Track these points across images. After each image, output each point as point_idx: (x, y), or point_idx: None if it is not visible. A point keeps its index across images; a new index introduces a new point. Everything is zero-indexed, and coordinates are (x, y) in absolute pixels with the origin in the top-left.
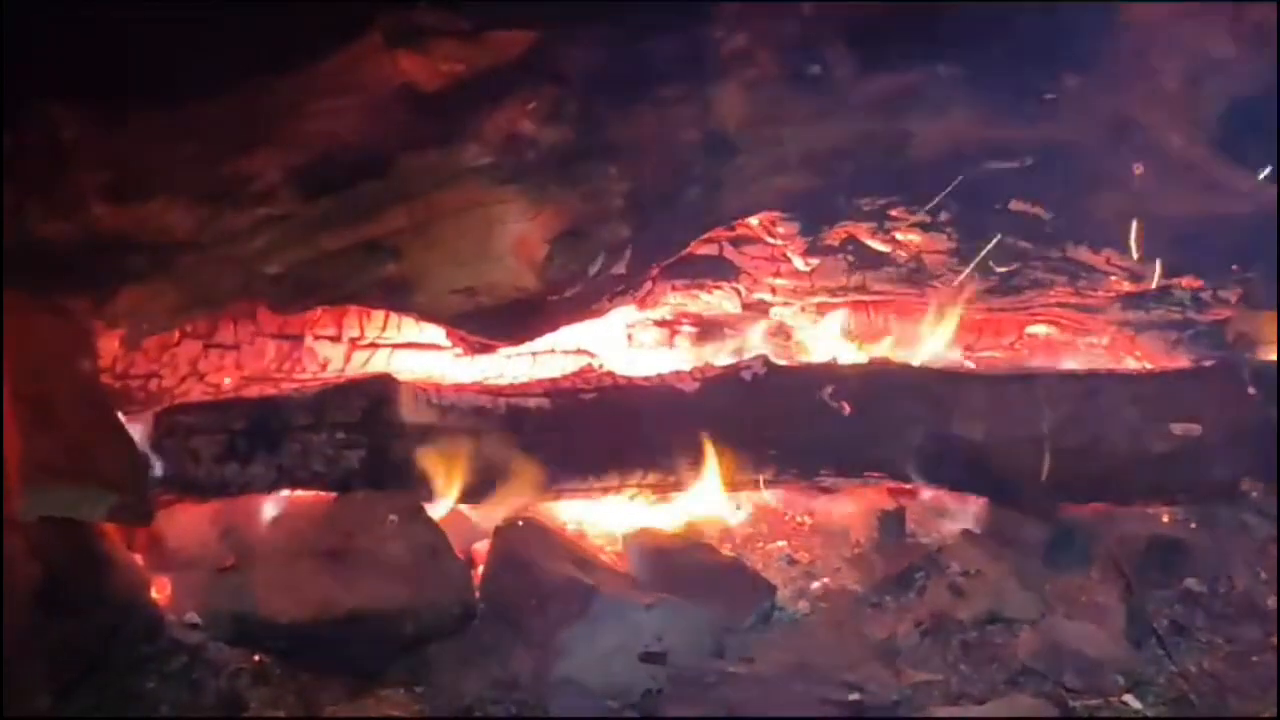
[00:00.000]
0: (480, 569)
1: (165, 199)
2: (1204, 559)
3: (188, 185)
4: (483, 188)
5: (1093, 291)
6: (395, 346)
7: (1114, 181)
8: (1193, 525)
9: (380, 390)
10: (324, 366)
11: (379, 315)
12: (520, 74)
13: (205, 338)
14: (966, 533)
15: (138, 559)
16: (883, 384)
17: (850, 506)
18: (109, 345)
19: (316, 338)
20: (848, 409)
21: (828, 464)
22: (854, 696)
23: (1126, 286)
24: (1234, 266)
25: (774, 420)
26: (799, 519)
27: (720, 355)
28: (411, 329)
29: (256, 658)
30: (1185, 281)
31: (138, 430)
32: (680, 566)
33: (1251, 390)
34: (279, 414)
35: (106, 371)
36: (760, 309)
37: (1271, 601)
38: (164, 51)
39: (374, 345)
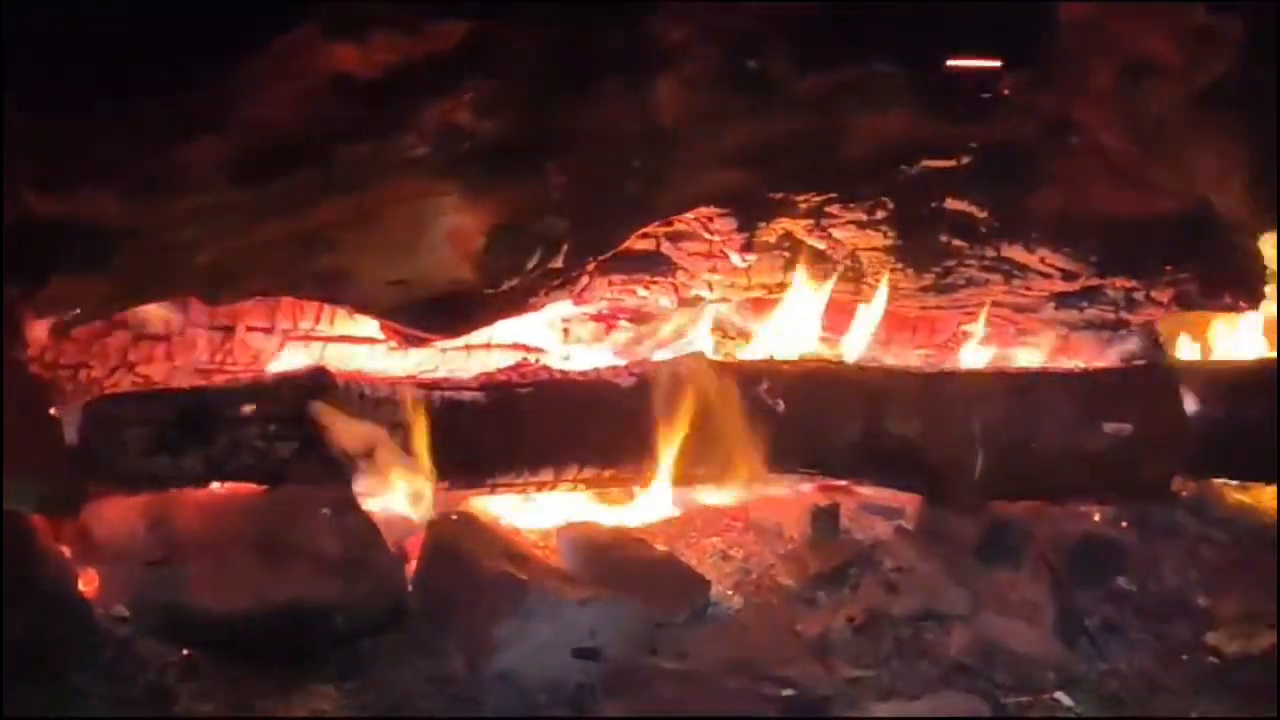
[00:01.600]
0: (413, 563)
1: (97, 187)
2: (1135, 558)
3: (120, 173)
4: (419, 179)
5: (1027, 290)
6: (328, 339)
7: (1049, 181)
8: (1124, 524)
9: (314, 382)
10: (256, 358)
11: (312, 307)
12: (458, 65)
13: (136, 328)
14: (900, 529)
15: (65, 551)
16: (818, 381)
17: (784, 502)
18: (38, 334)
19: (249, 329)
20: (782, 405)
21: (763, 460)
22: (787, 692)
23: (1060, 286)
24: (1167, 267)
25: (710, 416)
26: (732, 515)
27: (656, 351)
28: (345, 321)
29: (186, 651)
30: (1118, 281)
31: (66, 421)
32: (614, 562)
33: (1182, 389)
34: (210, 406)
35: (35, 361)
36: (696, 304)
37: (1200, 600)
38: (97, 38)
39: (307, 337)
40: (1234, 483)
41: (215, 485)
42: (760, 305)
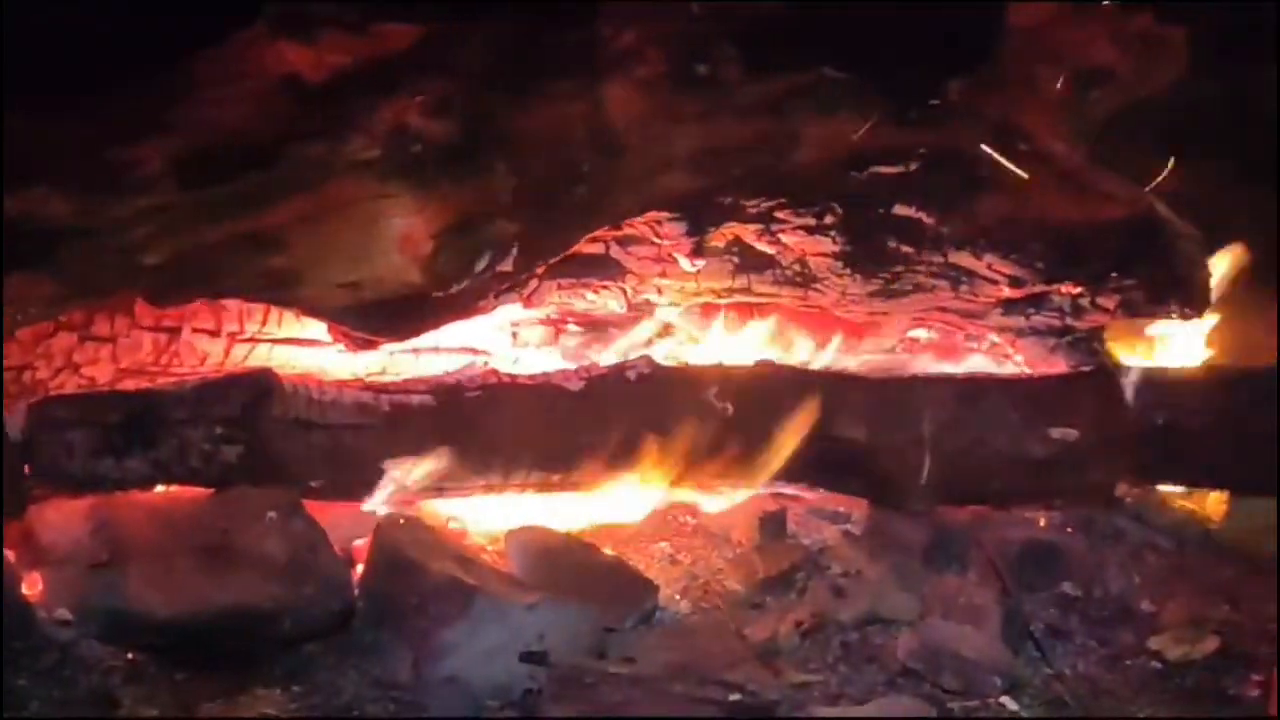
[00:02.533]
0: (360, 567)
1: (44, 187)
2: (1080, 563)
3: (67, 173)
4: (369, 181)
5: (974, 297)
6: (276, 341)
7: (996, 187)
8: (1069, 529)
9: (260, 385)
10: (202, 360)
11: (259, 309)
12: (409, 67)
13: (81, 329)
14: (847, 534)
15: (9, 554)
16: (767, 385)
17: (733, 507)
18: None
19: (195, 331)
20: (731, 409)
21: (710, 464)
22: (734, 697)
23: (1007, 292)
24: (1113, 274)
25: (658, 421)
26: (681, 519)
27: (606, 354)
28: (292, 324)
29: (130, 655)
30: (1065, 288)
31: (11, 423)
32: (562, 566)
33: (1128, 396)
34: (156, 408)
35: None
36: (646, 309)
37: (1144, 605)
38: (45, 37)
39: (254, 340)
40: (1178, 489)
41: (161, 488)
42: (710, 310)
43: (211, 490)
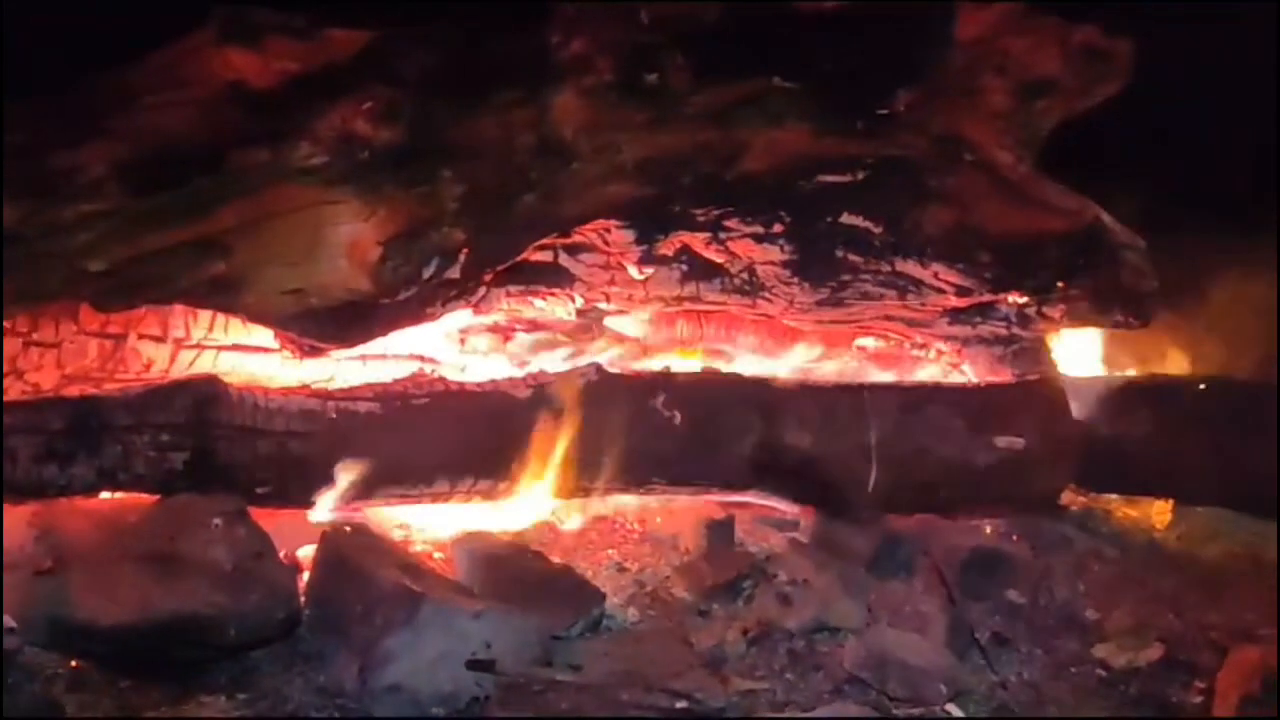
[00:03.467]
0: (306, 574)
1: None
2: (1025, 571)
3: (11, 178)
4: (315, 188)
5: (921, 306)
6: (222, 348)
7: (943, 197)
8: (1015, 538)
9: (206, 392)
10: (148, 367)
11: (205, 316)
12: (356, 74)
13: (25, 335)
14: (794, 542)
15: None
16: (714, 393)
17: (680, 515)
18: None
19: (140, 337)
20: (679, 418)
21: (659, 473)
22: (681, 704)
23: (954, 301)
24: (1059, 283)
25: (606, 428)
26: (629, 527)
27: (554, 361)
28: (239, 330)
29: (74, 662)
30: (1011, 297)
31: None
32: (509, 573)
33: (1072, 405)
34: (100, 414)
35: None
36: (594, 316)
37: (1089, 613)
38: None
39: (200, 346)
40: (1122, 498)
41: (106, 495)
42: (658, 317)
43: (157, 497)
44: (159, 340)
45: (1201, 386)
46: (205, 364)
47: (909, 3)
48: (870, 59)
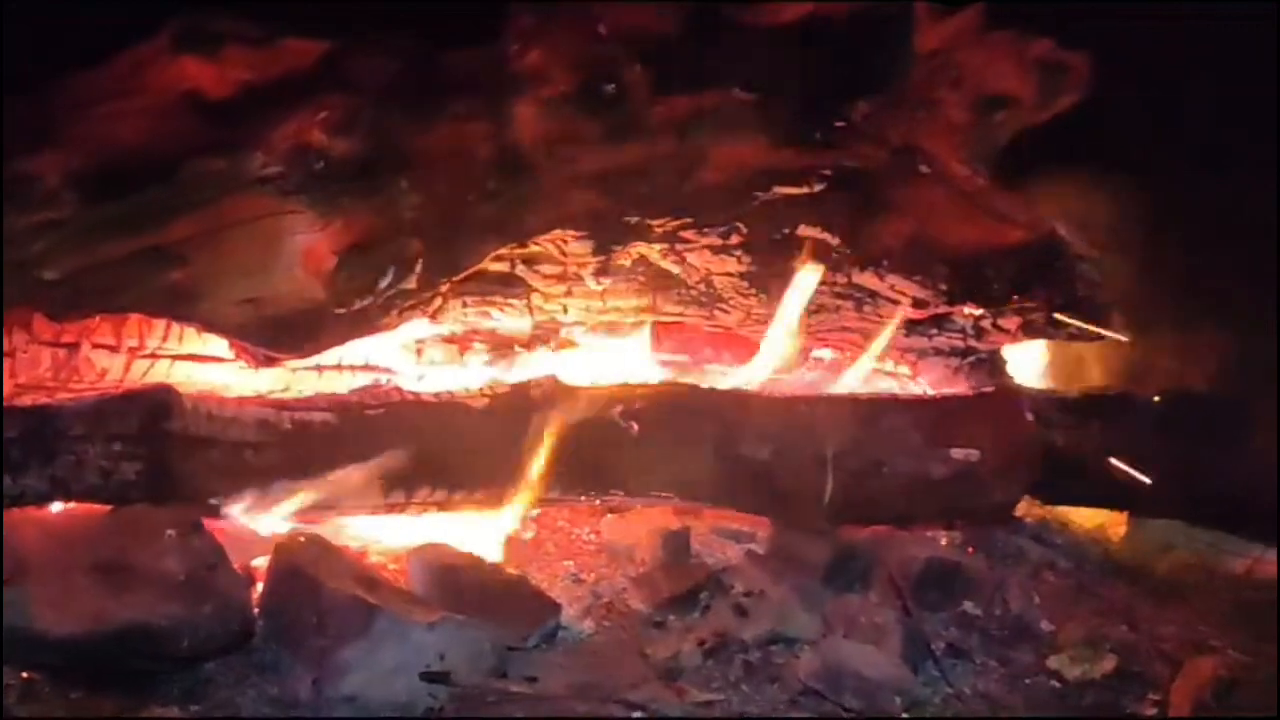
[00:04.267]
0: (260, 585)
1: None
2: (980, 583)
3: None
4: (271, 197)
5: (877, 317)
6: (176, 357)
7: (900, 209)
8: (970, 549)
9: (159, 401)
10: (101, 376)
11: (160, 325)
12: (313, 84)
13: None
14: (750, 553)
15: None
16: (671, 404)
17: (637, 526)
18: None
19: (94, 346)
20: (636, 428)
21: (616, 483)
22: (637, 715)
23: (910, 313)
24: (1015, 296)
25: (564, 439)
26: (585, 538)
27: (510, 372)
28: (194, 340)
29: (25, 674)
30: (966, 309)
31: None
32: (464, 584)
33: (1028, 417)
34: (53, 424)
35: None
36: (551, 327)
37: (1044, 624)
38: None
39: (154, 355)
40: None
41: (58, 505)
42: (615, 328)
43: (110, 507)
44: (113, 350)
45: (1156, 399)
46: (160, 373)
47: (867, 15)
48: (828, 71)
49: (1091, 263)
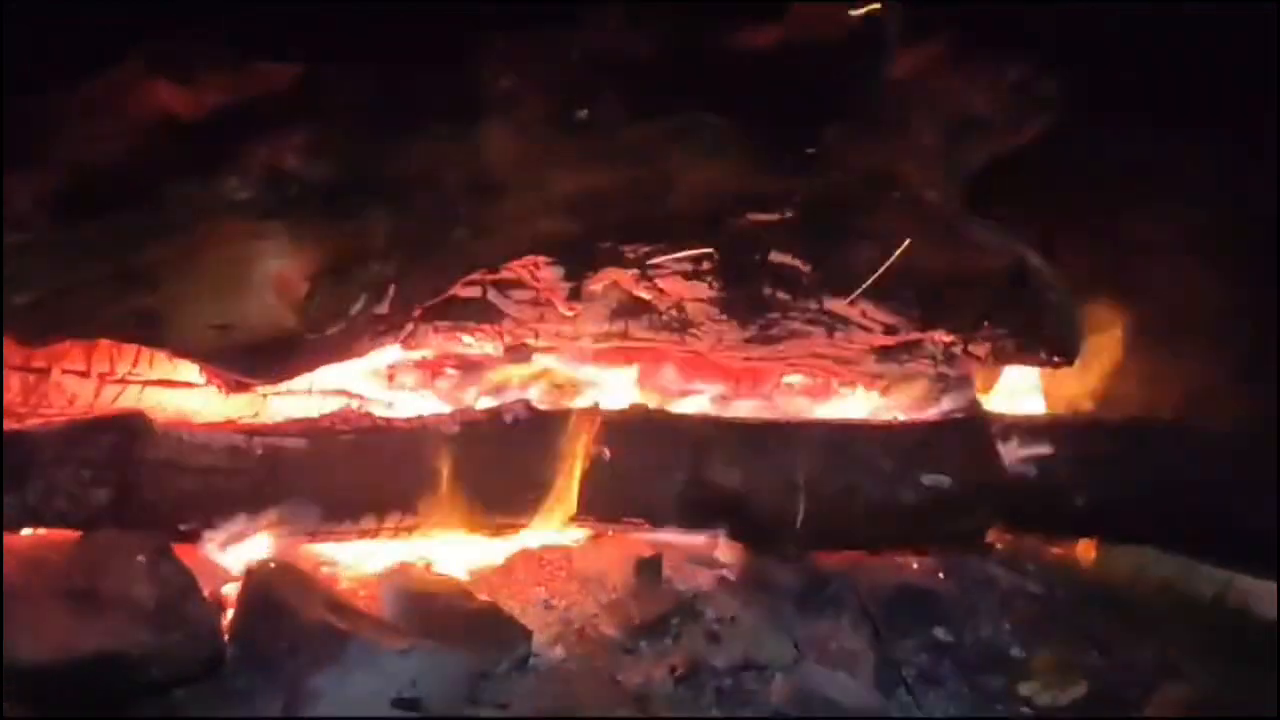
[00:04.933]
0: (230, 612)
1: None
2: (952, 609)
3: None
4: (244, 222)
5: (848, 344)
6: (147, 383)
7: (871, 235)
8: (941, 575)
9: (130, 427)
10: (72, 402)
11: (130, 350)
12: (285, 108)
13: None
14: (722, 579)
15: None
16: (643, 430)
17: (608, 552)
18: None
19: (64, 372)
20: (608, 454)
21: (588, 509)
22: None
23: (881, 339)
24: (985, 322)
25: (535, 464)
26: (557, 564)
27: (482, 398)
28: (164, 365)
29: None
30: (937, 336)
31: None
32: (436, 610)
33: (998, 443)
34: (23, 450)
35: None
36: (523, 353)
37: (1015, 651)
38: None
39: (125, 381)
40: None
41: (28, 530)
42: (587, 354)
43: (80, 533)
44: (83, 375)
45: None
46: (130, 399)
47: (839, 41)
48: (800, 97)
49: (1061, 289)
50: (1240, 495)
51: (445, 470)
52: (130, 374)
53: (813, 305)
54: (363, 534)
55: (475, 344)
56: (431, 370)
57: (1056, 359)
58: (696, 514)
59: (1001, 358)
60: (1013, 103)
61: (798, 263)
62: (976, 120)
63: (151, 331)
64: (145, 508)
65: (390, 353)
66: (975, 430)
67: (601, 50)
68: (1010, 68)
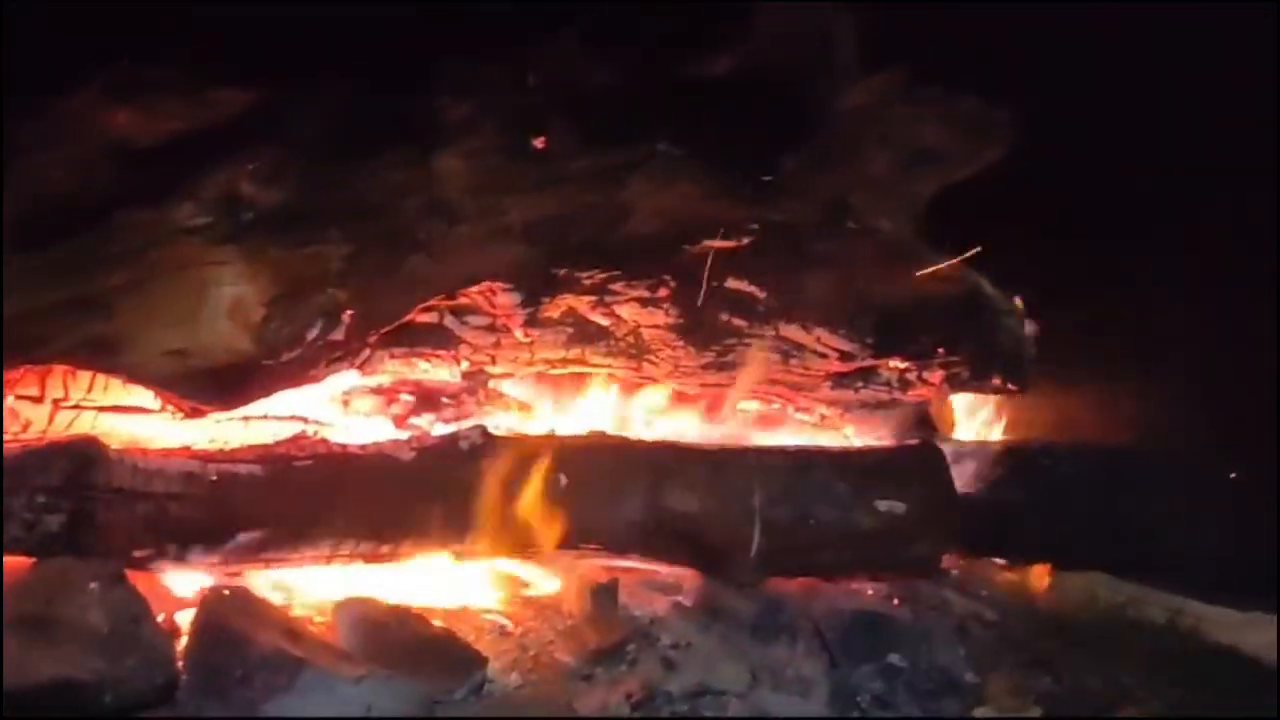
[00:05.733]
0: (184, 639)
1: None
2: (906, 634)
3: None
4: (199, 247)
5: (804, 370)
6: (101, 409)
7: (826, 263)
8: (896, 601)
9: (84, 453)
10: (25, 428)
11: (85, 376)
12: (242, 133)
13: None
14: (678, 605)
15: None
16: (600, 456)
17: (564, 578)
18: None
19: (18, 398)
20: (565, 480)
21: (545, 535)
22: None
23: (836, 366)
24: (939, 349)
25: (491, 491)
26: (513, 590)
27: (438, 424)
28: (119, 391)
29: None
30: (892, 362)
31: None
32: (391, 637)
33: (951, 469)
34: None
35: None
36: (480, 379)
37: (969, 676)
38: None
39: (79, 407)
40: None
41: None
42: (544, 380)
43: (33, 560)
44: (37, 401)
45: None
46: (84, 425)
47: (793, 71)
48: (755, 126)
49: (1013, 316)
50: (1190, 520)
51: (401, 496)
52: (85, 400)
53: (769, 332)
54: (318, 560)
55: (431, 370)
56: (387, 396)
57: (1009, 386)
58: (654, 540)
59: (955, 385)
60: (965, 134)
61: (754, 289)
62: (929, 150)
63: (106, 357)
64: (99, 534)
65: (346, 378)
66: (930, 456)
67: (558, 78)
68: (962, 99)
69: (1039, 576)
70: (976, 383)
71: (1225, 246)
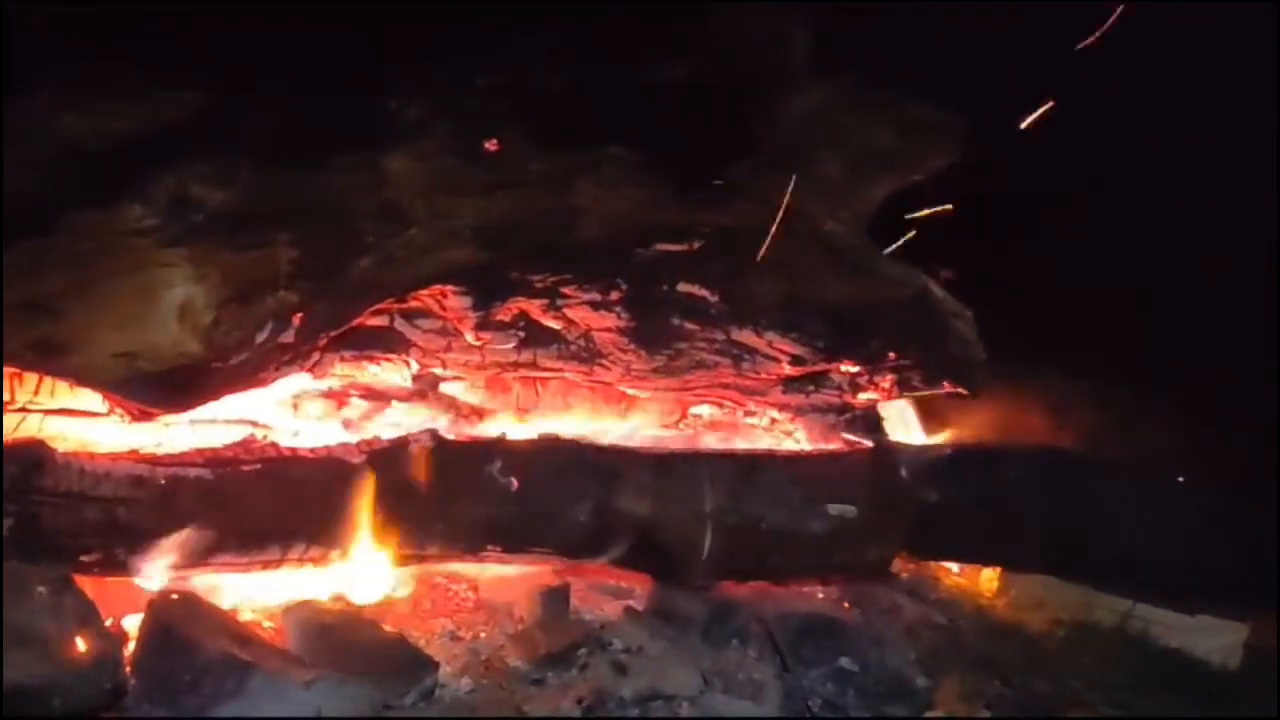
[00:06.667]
0: (132, 643)
1: None
2: (857, 638)
3: None
4: (147, 250)
5: (755, 374)
6: (48, 412)
7: (777, 267)
8: (846, 605)
9: (31, 457)
10: None
11: (31, 379)
12: (191, 135)
13: None
14: (629, 609)
15: None
16: (551, 459)
17: (515, 582)
18: None
19: None
20: (515, 484)
21: (495, 539)
22: None
23: (788, 370)
24: (890, 354)
25: (441, 494)
26: (463, 594)
27: (388, 427)
28: (66, 394)
29: None
30: (843, 367)
31: None
32: (341, 642)
33: (903, 473)
34: None
35: None
36: (430, 382)
37: (920, 680)
38: None
39: (25, 410)
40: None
41: None
42: (495, 383)
43: None
44: None
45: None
46: (31, 429)
47: (744, 77)
48: (707, 130)
49: (963, 320)
50: (1141, 525)
51: (351, 500)
52: (31, 403)
53: (720, 336)
54: (267, 564)
55: (382, 373)
56: (337, 399)
57: (959, 389)
58: (605, 544)
59: (905, 388)
60: (915, 138)
61: (705, 293)
62: (879, 155)
63: (54, 360)
64: (47, 538)
65: (296, 381)
66: (880, 460)
67: (510, 82)
68: (912, 104)
69: (989, 580)
70: (927, 386)
71: (1174, 255)
